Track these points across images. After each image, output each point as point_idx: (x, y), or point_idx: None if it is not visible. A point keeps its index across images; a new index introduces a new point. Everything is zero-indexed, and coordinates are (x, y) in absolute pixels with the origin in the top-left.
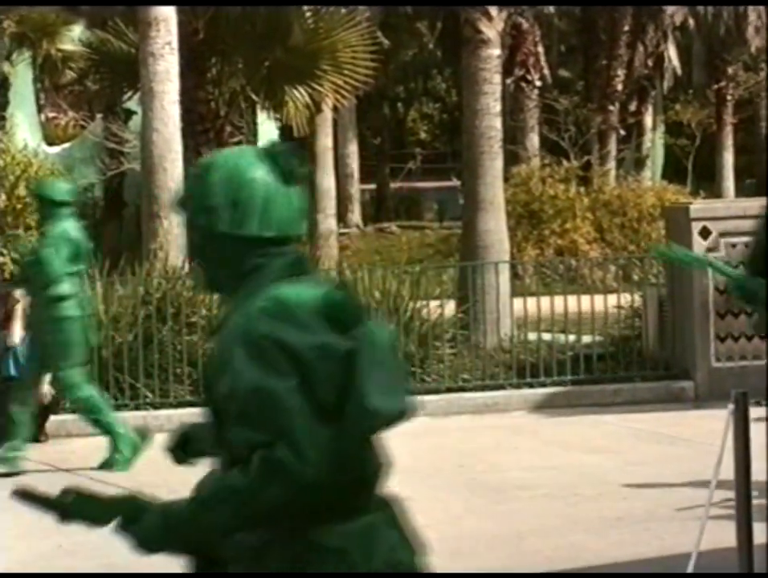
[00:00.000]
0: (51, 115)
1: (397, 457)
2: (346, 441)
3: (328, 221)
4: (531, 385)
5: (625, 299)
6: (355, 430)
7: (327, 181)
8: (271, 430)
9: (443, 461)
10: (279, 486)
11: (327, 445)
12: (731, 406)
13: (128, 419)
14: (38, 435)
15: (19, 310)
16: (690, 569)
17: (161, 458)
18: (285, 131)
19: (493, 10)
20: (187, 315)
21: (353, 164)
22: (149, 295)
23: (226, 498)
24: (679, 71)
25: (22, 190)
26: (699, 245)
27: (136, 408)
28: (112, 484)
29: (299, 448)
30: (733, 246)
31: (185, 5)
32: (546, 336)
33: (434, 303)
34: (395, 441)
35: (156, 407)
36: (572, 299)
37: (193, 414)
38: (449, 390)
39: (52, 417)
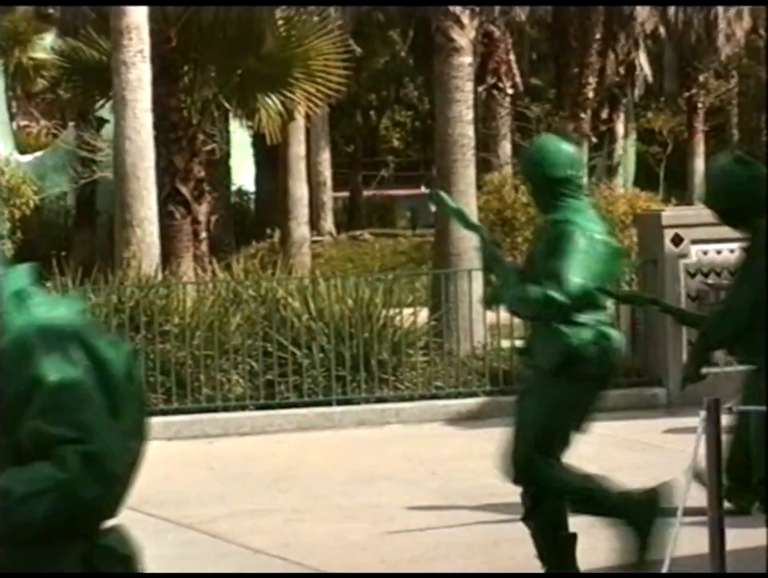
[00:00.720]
0: (23, 123)
1: (371, 465)
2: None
3: (300, 229)
4: (504, 393)
5: None
6: None
7: (300, 188)
8: (81, 426)
9: (416, 469)
10: (97, 481)
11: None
12: (703, 413)
13: None
14: None
15: None
16: None
17: None
18: (258, 139)
19: (465, 18)
20: (160, 323)
21: (326, 171)
22: (122, 304)
23: (46, 491)
24: (650, 79)
25: None
26: (671, 252)
27: None
28: None
29: (109, 443)
30: (705, 252)
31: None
32: (520, 343)
33: (407, 311)
34: (370, 448)
35: None
36: None
37: (166, 423)
38: (422, 398)
39: None
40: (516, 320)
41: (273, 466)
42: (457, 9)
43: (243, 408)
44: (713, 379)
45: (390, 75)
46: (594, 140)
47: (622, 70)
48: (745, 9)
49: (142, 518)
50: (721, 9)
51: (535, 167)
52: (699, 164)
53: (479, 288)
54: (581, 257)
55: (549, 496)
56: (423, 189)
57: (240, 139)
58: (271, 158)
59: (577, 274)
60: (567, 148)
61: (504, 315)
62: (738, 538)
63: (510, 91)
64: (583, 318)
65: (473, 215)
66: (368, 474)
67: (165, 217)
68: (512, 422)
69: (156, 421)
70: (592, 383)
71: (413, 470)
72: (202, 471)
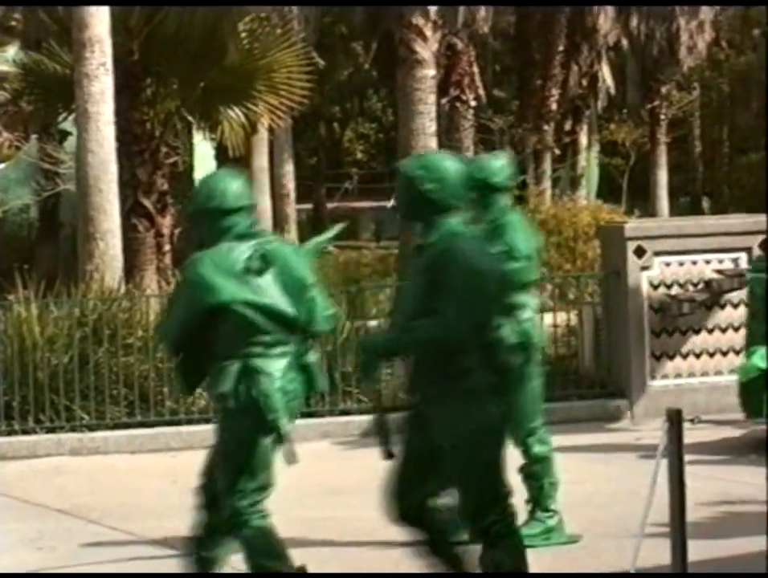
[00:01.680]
0: None
1: (335, 478)
2: None
3: None
4: None
5: (561, 317)
6: None
7: (263, 201)
8: None
9: (381, 481)
10: None
11: None
12: (666, 424)
13: (64, 441)
14: None
15: None
16: None
17: (96, 481)
18: (221, 151)
19: (428, 31)
20: (123, 336)
21: (289, 184)
22: (85, 317)
23: None
24: (613, 91)
25: None
26: (634, 263)
27: (73, 430)
28: (45, 505)
29: None
30: (668, 264)
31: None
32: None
33: (371, 323)
34: (334, 461)
35: (92, 429)
36: None
37: (129, 436)
38: (386, 410)
39: None
40: None
41: None
42: (420, 21)
43: (207, 421)
44: (676, 390)
45: (353, 88)
46: (557, 151)
47: (585, 82)
48: (707, 21)
49: (105, 531)
50: (683, 21)
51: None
52: (662, 176)
53: None
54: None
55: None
56: (389, 203)
57: (203, 151)
58: (234, 170)
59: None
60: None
61: None
62: (698, 549)
63: (473, 103)
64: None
65: None
66: (332, 487)
67: (128, 229)
68: None
69: (119, 435)
70: None
71: (378, 482)
72: (165, 485)
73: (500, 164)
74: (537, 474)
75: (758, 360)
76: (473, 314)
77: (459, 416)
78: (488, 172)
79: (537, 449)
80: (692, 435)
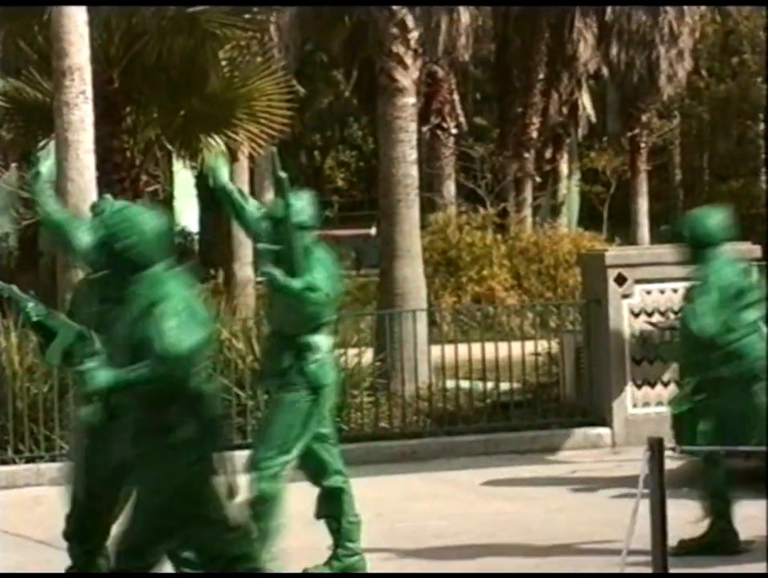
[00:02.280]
0: None
1: (313, 505)
2: None
3: (244, 270)
4: (449, 433)
5: (542, 345)
6: None
7: None
8: None
9: (361, 510)
10: None
11: None
12: (647, 453)
13: (43, 471)
14: None
15: None
16: None
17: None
18: (201, 179)
19: (408, 59)
20: None
21: None
22: None
23: None
24: (593, 119)
25: None
26: (614, 291)
27: (52, 459)
28: (25, 536)
29: None
30: (648, 292)
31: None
32: (464, 384)
33: (352, 351)
34: (312, 488)
35: (72, 459)
36: (489, 346)
37: None
38: (367, 438)
39: None
40: (461, 360)
41: None
42: (400, 49)
43: None
44: (657, 418)
45: (333, 115)
46: (538, 179)
47: (565, 110)
48: (687, 49)
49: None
50: (662, 49)
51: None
52: (642, 204)
53: (423, 329)
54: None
55: None
56: (372, 231)
57: (184, 179)
58: (214, 199)
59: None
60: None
61: (449, 355)
62: None
63: (454, 131)
64: None
65: (418, 254)
66: (310, 515)
67: None
68: None
69: None
70: None
71: (357, 511)
72: None
73: (301, 203)
74: (259, 513)
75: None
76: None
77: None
78: (290, 211)
79: (264, 485)
80: (626, 468)
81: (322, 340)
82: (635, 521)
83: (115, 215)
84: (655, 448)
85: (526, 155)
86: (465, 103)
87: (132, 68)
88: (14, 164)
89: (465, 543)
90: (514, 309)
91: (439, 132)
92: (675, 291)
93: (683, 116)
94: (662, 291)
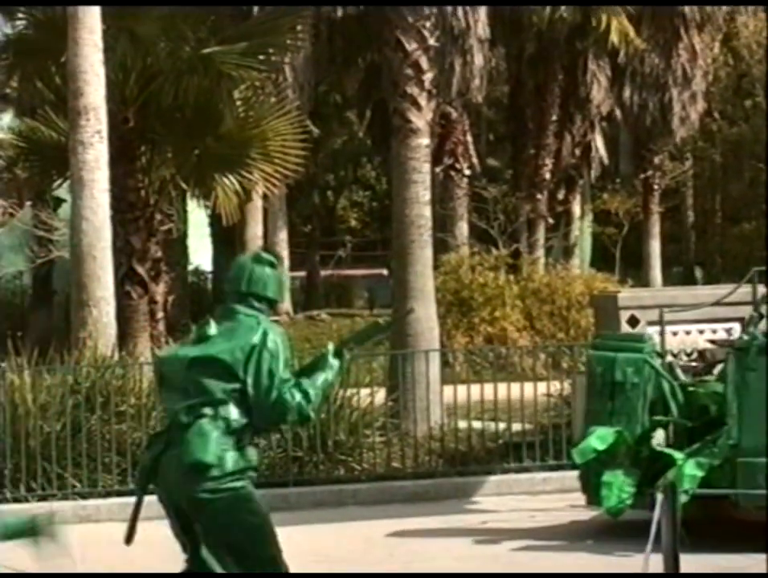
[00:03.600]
0: None
1: (327, 546)
2: None
3: None
4: (461, 474)
5: (554, 386)
6: None
7: None
8: None
9: (373, 551)
10: None
11: None
12: (660, 496)
13: (56, 509)
14: None
15: None
16: None
17: (87, 550)
18: (215, 219)
19: (422, 100)
20: (116, 403)
21: (283, 251)
22: (78, 384)
23: None
24: (606, 161)
25: None
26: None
27: (64, 498)
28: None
29: None
30: (661, 334)
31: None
32: (476, 424)
33: (364, 391)
34: (326, 528)
35: (84, 497)
36: (502, 387)
37: (122, 504)
38: (379, 478)
39: None
40: (473, 401)
41: None
42: (414, 91)
43: None
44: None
45: (347, 156)
46: (551, 220)
47: (578, 151)
48: (699, 92)
49: None
50: (675, 92)
51: None
52: (655, 246)
53: (436, 369)
54: None
55: None
56: (385, 271)
57: (198, 219)
58: (228, 238)
59: None
60: None
61: (461, 396)
62: None
63: (467, 171)
64: None
65: (431, 295)
66: (324, 556)
67: (121, 297)
68: None
69: (111, 503)
70: None
71: (369, 552)
72: (165, 551)
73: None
74: None
75: (595, 441)
76: None
77: None
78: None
79: None
80: (533, 519)
81: None
82: (648, 562)
83: None
84: (668, 491)
85: (539, 196)
86: (478, 144)
87: (147, 108)
88: (28, 203)
89: None
90: (526, 350)
91: (452, 172)
92: (687, 332)
93: (695, 159)
94: (675, 333)
